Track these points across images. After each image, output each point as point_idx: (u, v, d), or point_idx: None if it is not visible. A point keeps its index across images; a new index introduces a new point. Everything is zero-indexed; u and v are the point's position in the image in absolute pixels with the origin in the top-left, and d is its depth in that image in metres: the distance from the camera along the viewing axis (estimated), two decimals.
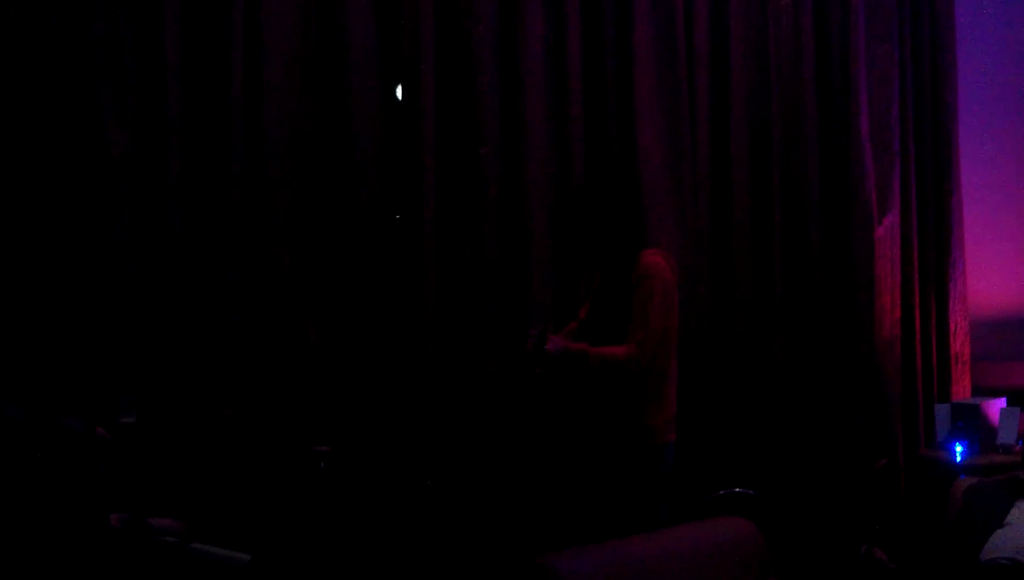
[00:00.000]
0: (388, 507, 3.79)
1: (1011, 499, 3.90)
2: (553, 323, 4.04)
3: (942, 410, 4.97)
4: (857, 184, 4.99)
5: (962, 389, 5.24)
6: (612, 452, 3.75)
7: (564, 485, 4.08)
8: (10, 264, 3.46)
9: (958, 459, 4.71)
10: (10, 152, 3.48)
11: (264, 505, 3.44)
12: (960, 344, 5.28)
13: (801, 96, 4.92)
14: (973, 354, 5.30)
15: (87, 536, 2.72)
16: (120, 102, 3.65)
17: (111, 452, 3.16)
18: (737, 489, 4.28)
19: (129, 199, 3.66)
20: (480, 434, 4.16)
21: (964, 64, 5.33)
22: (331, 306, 4.00)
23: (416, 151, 4.13)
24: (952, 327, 5.28)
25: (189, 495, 3.36)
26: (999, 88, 5.45)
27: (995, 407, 4.87)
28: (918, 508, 4.85)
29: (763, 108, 4.88)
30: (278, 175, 3.90)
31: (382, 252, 4.08)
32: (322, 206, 4.00)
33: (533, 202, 4.32)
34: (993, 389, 5.12)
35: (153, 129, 3.72)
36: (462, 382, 4.17)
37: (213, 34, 3.83)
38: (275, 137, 3.90)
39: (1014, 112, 5.46)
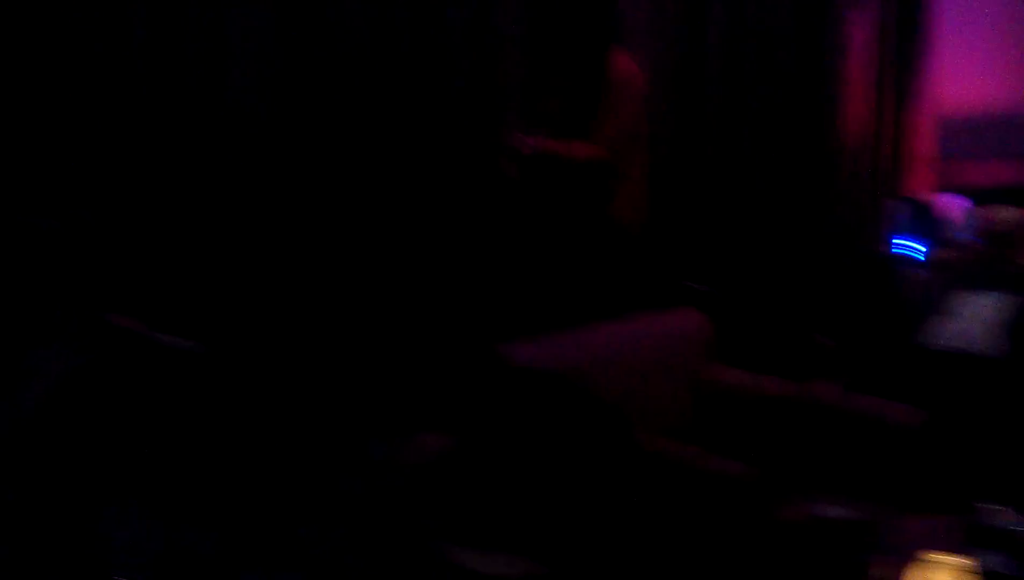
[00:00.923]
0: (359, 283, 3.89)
1: (963, 291, 4.03)
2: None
3: (900, 206, 5.05)
4: None
5: (923, 185, 5.30)
6: (584, 239, 3.85)
7: (536, 273, 4.15)
8: None
9: (914, 253, 4.82)
10: None
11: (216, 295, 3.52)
12: (923, 142, 5.31)
13: None
14: (939, 152, 5.33)
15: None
16: None
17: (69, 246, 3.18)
18: (693, 284, 4.38)
19: None
20: (452, 227, 4.24)
21: None
22: None
23: None
24: (917, 125, 5.31)
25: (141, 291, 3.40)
26: None
27: (955, 204, 4.95)
28: (873, 298, 4.97)
29: None
30: None
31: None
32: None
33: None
34: (955, 187, 5.19)
35: None
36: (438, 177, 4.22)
37: None
38: None
39: None
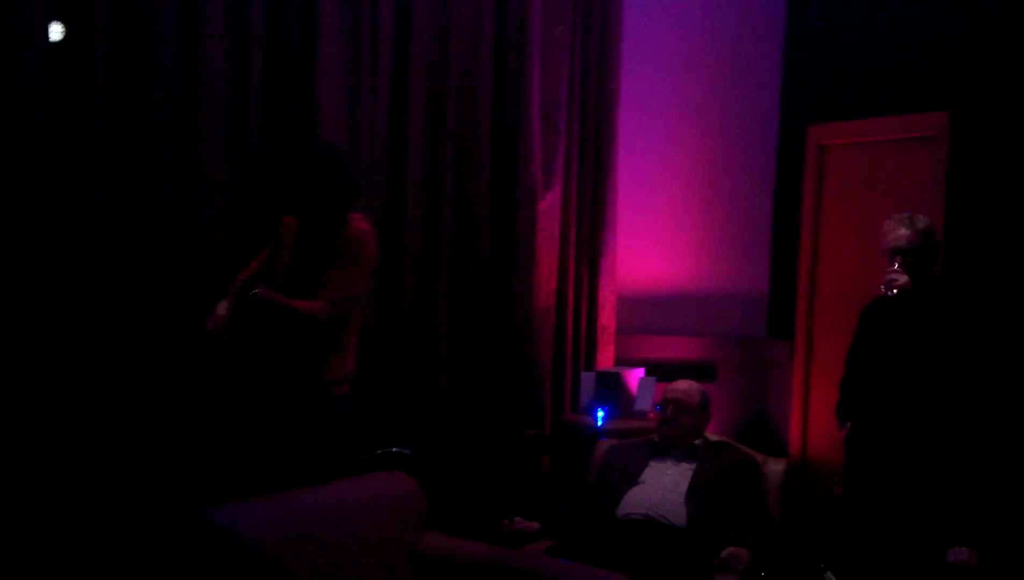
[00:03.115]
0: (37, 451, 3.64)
1: (644, 460, 4.27)
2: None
3: (588, 378, 5.31)
4: (525, 160, 5.21)
5: (607, 358, 5.58)
6: (292, 402, 3.79)
7: (244, 433, 4.03)
8: None
9: (600, 423, 5.06)
10: None
11: None
12: (607, 316, 5.60)
13: (478, 73, 5.08)
14: (618, 327, 5.65)
15: None
16: None
17: None
18: (395, 448, 4.41)
19: None
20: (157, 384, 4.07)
21: (627, 55, 5.67)
22: None
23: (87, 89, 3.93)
24: (601, 300, 5.59)
25: None
26: (658, 83, 5.85)
27: (634, 376, 5.26)
28: (562, 470, 5.18)
29: (441, 82, 4.99)
30: None
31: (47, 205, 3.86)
32: None
33: (209, 157, 4.24)
34: (634, 360, 5.53)
35: None
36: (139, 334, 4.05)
37: None
38: None
39: (672, 106, 5.88)
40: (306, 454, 3.72)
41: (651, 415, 4.87)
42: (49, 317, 3.82)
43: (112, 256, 4.00)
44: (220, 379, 4.15)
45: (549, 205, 5.32)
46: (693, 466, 4.19)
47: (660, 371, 5.24)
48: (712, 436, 4.45)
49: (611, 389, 5.16)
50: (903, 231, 4.16)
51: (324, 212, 3.78)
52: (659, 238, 5.86)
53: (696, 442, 4.30)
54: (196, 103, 4.22)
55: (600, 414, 5.09)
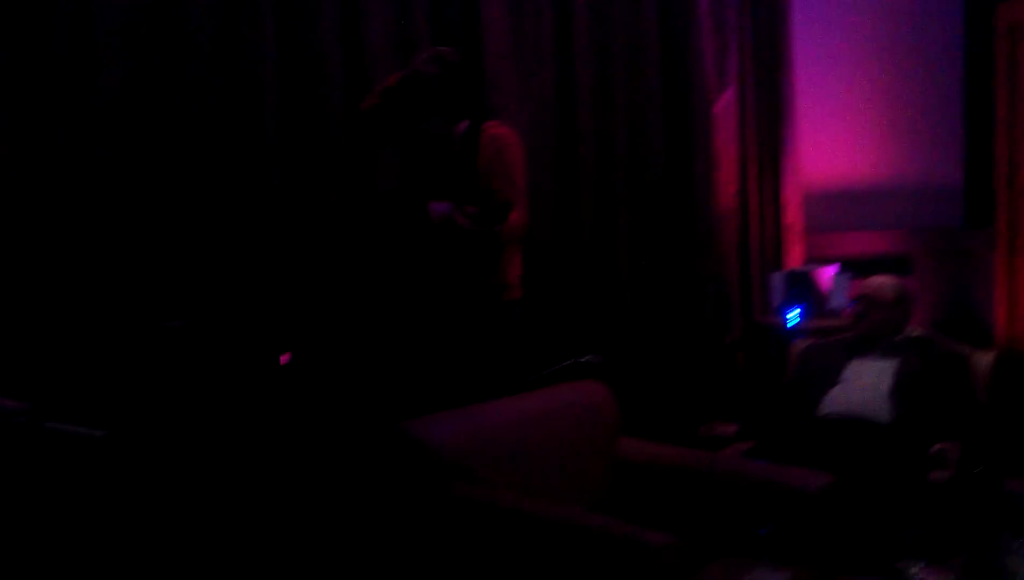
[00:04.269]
0: (245, 379, 3.74)
1: (843, 358, 4.12)
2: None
3: (777, 278, 5.17)
4: (696, 61, 5.06)
5: (795, 258, 5.44)
6: (470, 308, 3.80)
7: (427, 347, 4.07)
8: None
9: (792, 323, 4.93)
10: None
11: (117, 381, 3.36)
12: (793, 215, 5.46)
13: None
14: (806, 225, 5.48)
15: None
16: None
17: None
18: (585, 357, 4.38)
19: None
20: (340, 300, 4.14)
21: None
22: (170, 184, 3.85)
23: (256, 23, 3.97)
24: (785, 199, 5.45)
25: (35, 375, 3.24)
26: None
27: (826, 274, 5.09)
28: (756, 372, 5.07)
29: None
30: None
31: (223, 130, 3.93)
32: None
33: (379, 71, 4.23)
34: (825, 258, 5.35)
35: None
36: (317, 252, 4.11)
37: None
38: None
39: None
40: (485, 360, 3.72)
41: (845, 312, 4.70)
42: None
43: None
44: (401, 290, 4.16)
45: (724, 105, 5.18)
46: (896, 362, 4.03)
47: (854, 267, 5.06)
48: (914, 331, 4.25)
49: (802, 289, 5.02)
50: None
51: (443, 123, 3.74)
52: (843, 131, 5.63)
53: (896, 338, 4.13)
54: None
55: (792, 314, 4.94)
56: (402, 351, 4.08)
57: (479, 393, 3.44)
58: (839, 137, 5.65)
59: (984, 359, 4.16)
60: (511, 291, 3.81)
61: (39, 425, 2.78)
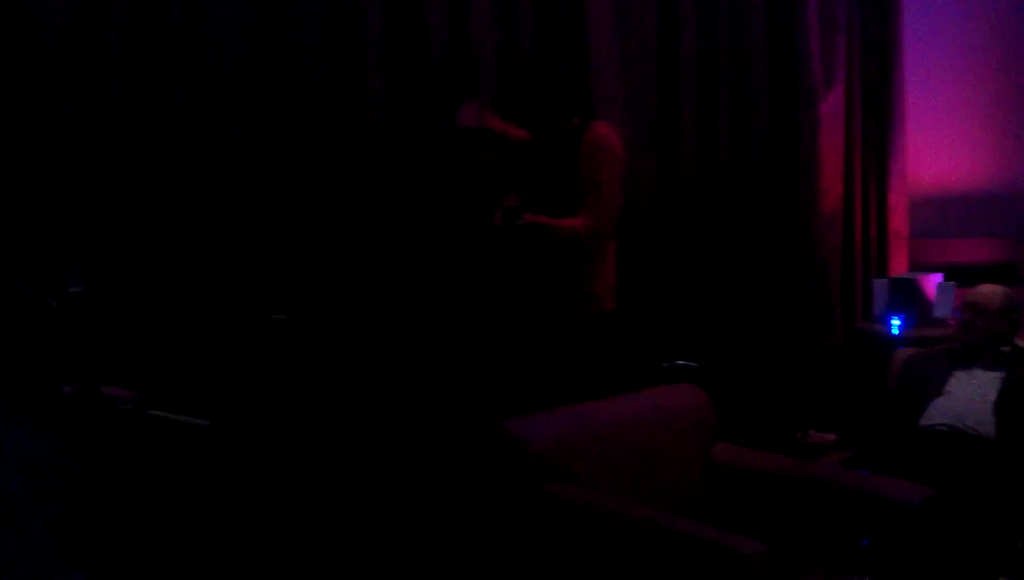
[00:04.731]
0: (346, 373, 3.81)
1: (948, 369, 4.02)
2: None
3: (880, 285, 5.07)
4: (804, 59, 4.99)
5: (900, 264, 5.33)
6: (557, 319, 3.78)
7: (514, 354, 4.08)
8: None
9: (896, 332, 4.83)
10: None
11: (220, 372, 3.44)
12: (899, 220, 5.35)
13: None
14: (911, 231, 5.37)
15: (40, 404, 2.69)
16: None
17: (60, 320, 3.11)
18: (682, 361, 4.35)
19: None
20: (433, 302, 4.17)
21: None
22: (276, 178, 3.93)
23: (360, 19, 4.02)
24: (891, 204, 5.34)
25: (143, 365, 3.33)
26: None
27: (931, 282, 4.98)
28: (856, 380, 4.98)
29: None
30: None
31: (329, 126, 3.99)
32: (267, 81, 3.90)
33: (483, 75, 4.25)
34: (929, 265, 5.23)
35: None
36: (415, 252, 4.15)
37: None
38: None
39: None
40: (576, 371, 3.70)
41: (951, 322, 4.59)
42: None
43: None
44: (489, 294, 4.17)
45: (832, 106, 5.10)
46: (1002, 374, 3.91)
47: (960, 276, 4.93)
48: (1022, 342, 4.14)
49: (906, 296, 4.91)
50: None
51: (548, 121, 3.73)
52: (951, 135, 5.49)
53: (1004, 349, 4.02)
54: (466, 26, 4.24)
55: (896, 322, 4.85)
56: (491, 357, 4.09)
57: (571, 398, 3.44)
58: (947, 140, 5.52)
59: None
60: (599, 303, 3.78)
61: (145, 413, 2.86)
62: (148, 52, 3.67)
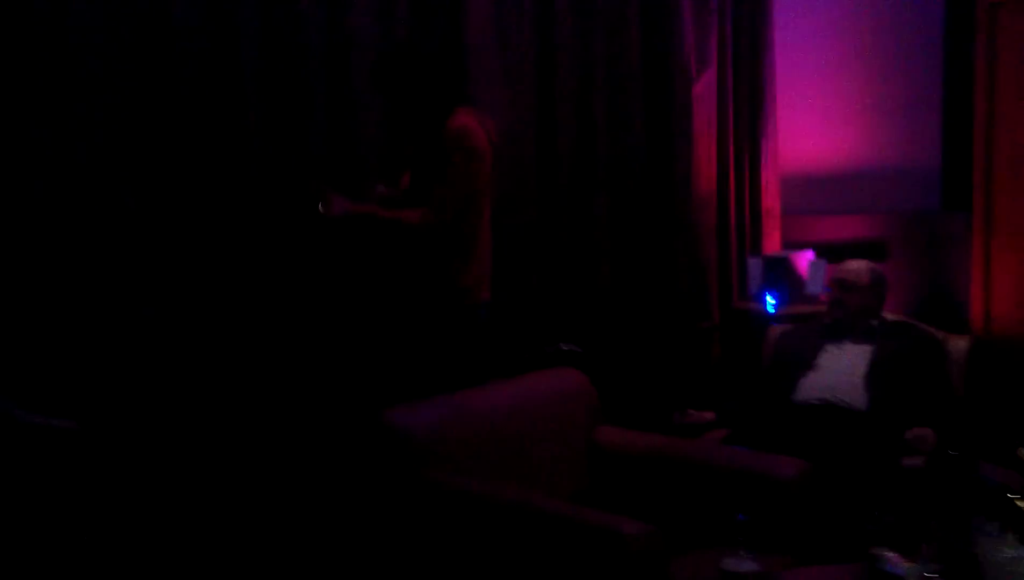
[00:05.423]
0: (220, 368, 3.74)
1: (819, 344, 4.13)
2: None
3: (755, 263, 5.16)
4: (677, 41, 5.04)
5: (773, 243, 5.42)
6: (427, 312, 3.77)
7: (389, 347, 4.05)
8: None
9: (770, 309, 4.93)
10: None
11: (88, 370, 3.35)
12: (771, 199, 5.44)
13: None
14: (783, 209, 5.47)
15: None
16: None
17: None
18: (563, 346, 4.38)
19: None
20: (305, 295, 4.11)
21: None
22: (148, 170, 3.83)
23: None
24: (764, 182, 5.43)
25: (6, 364, 3.23)
26: None
27: (803, 259, 5.09)
28: (733, 359, 5.07)
29: None
30: None
31: (203, 115, 3.90)
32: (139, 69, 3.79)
33: (356, 58, 4.20)
34: (801, 243, 5.35)
35: None
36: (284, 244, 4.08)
37: None
38: None
39: None
40: (452, 362, 3.69)
41: (822, 298, 4.71)
42: None
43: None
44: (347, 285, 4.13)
45: (704, 87, 5.16)
46: (871, 347, 4.04)
47: (830, 252, 5.05)
48: (890, 316, 4.27)
49: (780, 274, 5.01)
50: None
51: (430, 116, 3.71)
52: (820, 114, 5.61)
53: (872, 322, 4.15)
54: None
55: (770, 300, 4.95)
56: (370, 350, 4.06)
57: (451, 388, 3.43)
58: (816, 120, 5.62)
59: (960, 344, 4.18)
60: (468, 296, 3.77)
61: (10, 415, 2.77)
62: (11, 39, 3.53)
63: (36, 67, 3.56)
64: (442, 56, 3.83)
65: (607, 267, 4.93)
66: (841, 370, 3.99)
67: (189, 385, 3.63)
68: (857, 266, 4.23)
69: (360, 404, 3.70)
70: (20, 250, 3.52)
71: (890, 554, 2.55)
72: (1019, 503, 2.54)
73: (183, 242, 3.83)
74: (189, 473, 3.45)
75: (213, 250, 3.89)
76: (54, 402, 2.92)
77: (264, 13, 4.01)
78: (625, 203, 4.99)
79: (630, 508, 2.75)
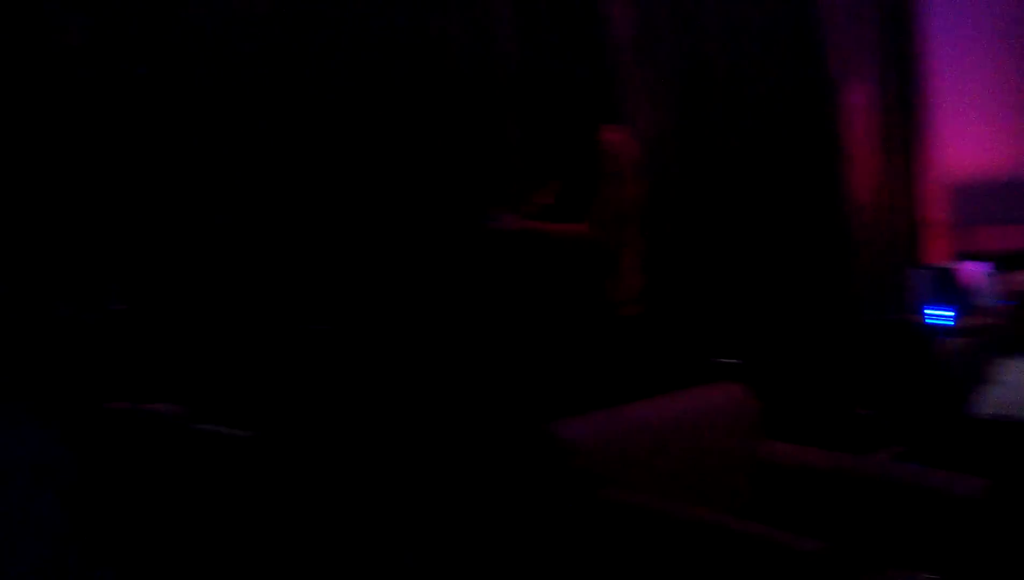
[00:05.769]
0: (390, 383, 3.78)
1: (999, 357, 3.98)
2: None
3: (921, 275, 5.01)
4: (827, 51, 4.94)
5: (939, 254, 5.26)
6: (579, 328, 3.76)
7: (544, 361, 4.05)
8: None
9: (938, 321, 4.76)
10: None
11: (262, 384, 3.42)
12: (934, 209, 5.29)
13: None
14: (952, 219, 5.30)
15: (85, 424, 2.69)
16: None
17: (96, 338, 3.11)
18: (725, 359, 4.32)
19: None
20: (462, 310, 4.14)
21: None
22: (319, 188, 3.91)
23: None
24: (924, 192, 5.29)
25: (186, 380, 3.32)
26: None
27: (974, 270, 4.91)
28: (903, 369, 4.91)
29: None
30: None
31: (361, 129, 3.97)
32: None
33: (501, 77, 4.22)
34: (973, 253, 5.16)
35: None
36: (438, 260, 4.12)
37: None
38: None
39: None
40: (608, 377, 3.64)
41: (996, 310, 4.53)
42: None
43: None
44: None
45: (859, 97, 5.05)
46: None
47: (1005, 263, 4.86)
48: None
49: (946, 285, 4.84)
50: None
51: (563, 135, 3.72)
52: (993, 121, 5.41)
53: None
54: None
55: (937, 312, 4.78)
56: (528, 363, 4.06)
57: (609, 402, 3.39)
58: (986, 127, 5.44)
59: None
60: (621, 308, 3.75)
61: (189, 427, 2.85)
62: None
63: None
64: (593, 80, 3.83)
65: (768, 280, 4.84)
66: (1021, 384, 3.83)
67: (353, 396, 3.69)
68: None
69: (519, 417, 3.70)
70: (201, 270, 3.63)
71: None
72: None
73: (351, 258, 3.90)
74: (353, 484, 3.50)
75: (382, 266, 3.95)
76: (228, 412, 2.99)
77: (412, 34, 4.05)
78: (782, 216, 4.90)
79: (796, 525, 2.67)
